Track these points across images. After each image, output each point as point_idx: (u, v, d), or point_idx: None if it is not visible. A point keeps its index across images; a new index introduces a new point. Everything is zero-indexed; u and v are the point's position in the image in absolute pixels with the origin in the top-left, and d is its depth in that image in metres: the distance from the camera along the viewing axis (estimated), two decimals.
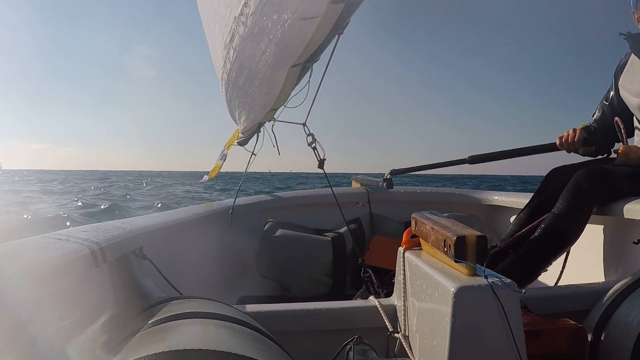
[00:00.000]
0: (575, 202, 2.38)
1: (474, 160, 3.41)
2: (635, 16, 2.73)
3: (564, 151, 2.91)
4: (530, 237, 2.39)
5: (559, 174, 2.72)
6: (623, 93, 2.84)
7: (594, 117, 3.08)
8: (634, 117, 2.84)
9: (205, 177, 4.08)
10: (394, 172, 4.13)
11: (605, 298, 1.84)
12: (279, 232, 3.35)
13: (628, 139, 2.74)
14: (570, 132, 2.80)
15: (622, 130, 2.68)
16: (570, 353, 1.58)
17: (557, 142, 2.86)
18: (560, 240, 2.35)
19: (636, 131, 2.80)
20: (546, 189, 2.72)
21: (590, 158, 2.95)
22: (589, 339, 1.72)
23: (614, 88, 2.96)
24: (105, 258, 1.53)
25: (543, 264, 2.36)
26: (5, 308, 1.05)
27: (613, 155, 2.73)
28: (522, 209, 2.76)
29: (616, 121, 2.74)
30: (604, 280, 2.45)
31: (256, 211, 3.69)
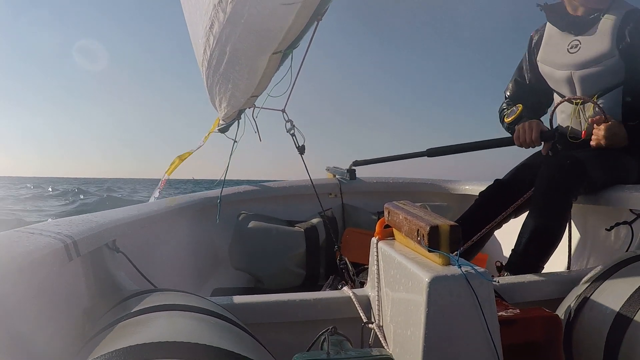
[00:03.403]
0: (554, 198, 2.35)
1: (432, 153, 3.43)
2: None
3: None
4: (520, 242, 2.35)
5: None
6: (544, 68, 2.83)
7: (508, 93, 3.06)
8: (554, 93, 2.84)
9: (165, 178, 3.90)
10: (356, 164, 4.17)
11: (579, 286, 1.85)
12: (251, 224, 3.34)
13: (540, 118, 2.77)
14: (527, 128, 2.67)
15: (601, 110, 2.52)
16: (545, 341, 1.59)
17: (515, 142, 2.77)
18: (550, 239, 2.32)
19: (557, 110, 2.76)
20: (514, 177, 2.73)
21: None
22: (563, 326, 1.73)
23: (529, 68, 2.95)
24: (78, 251, 1.52)
25: (540, 265, 2.31)
26: None
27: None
28: (483, 191, 2.78)
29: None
30: (577, 268, 2.47)
31: (229, 203, 3.67)
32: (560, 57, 2.71)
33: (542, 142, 2.68)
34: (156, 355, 0.97)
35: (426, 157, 3.46)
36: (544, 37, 2.86)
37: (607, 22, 2.56)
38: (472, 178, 4.09)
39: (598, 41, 2.56)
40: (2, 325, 1.13)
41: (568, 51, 2.68)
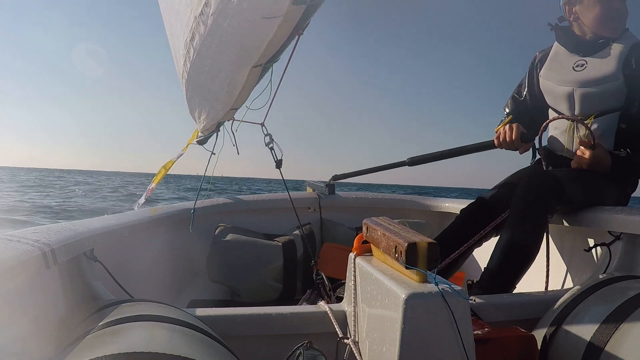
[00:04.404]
0: (530, 213, 2.34)
1: (414, 162, 3.40)
2: (566, 8, 2.80)
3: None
4: (492, 260, 2.34)
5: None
6: (545, 84, 2.88)
7: (507, 110, 3.13)
8: (549, 110, 2.87)
9: (152, 187, 3.87)
10: (335, 178, 4.15)
11: (556, 306, 1.86)
12: (229, 237, 3.33)
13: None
14: (507, 130, 2.74)
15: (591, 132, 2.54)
16: None
17: (495, 142, 2.82)
18: (524, 257, 2.31)
19: (550, 125, 2.82)
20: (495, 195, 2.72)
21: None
22: (539, 347, 1.73)
23: (527, 85, 3.02)
24: (56, 260, 1.52)
25: (513, 282, 2.31)
26: None
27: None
28: (465, 208, 2.77)
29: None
30: (554, 289, 2.47)
31: (208, 215, 3.66)
32: (565, 74, 2.77)
33: (522, 144, 2.74)
34: None
35: (407, 166, 3.43)
36: (549, 55, 2.93)
37: (616, 48, 2.64)
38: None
39: (605, 63, 2.63)
40: None
41: (573, 69, 2.74)
